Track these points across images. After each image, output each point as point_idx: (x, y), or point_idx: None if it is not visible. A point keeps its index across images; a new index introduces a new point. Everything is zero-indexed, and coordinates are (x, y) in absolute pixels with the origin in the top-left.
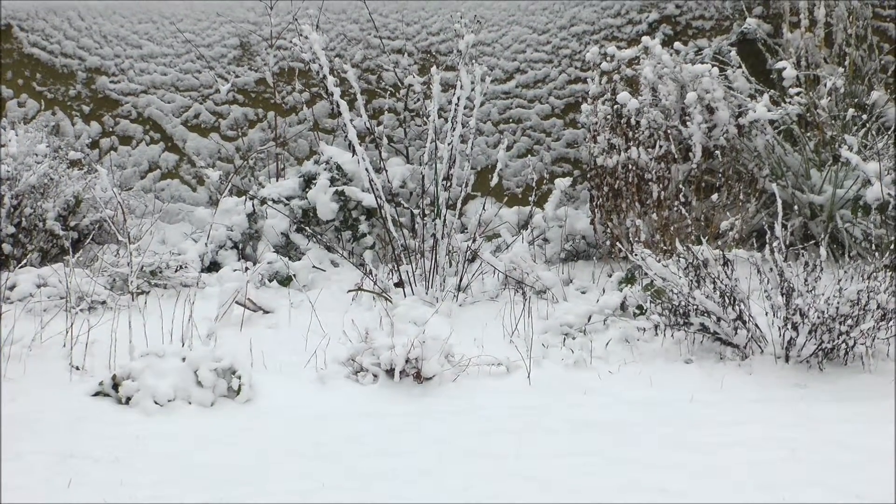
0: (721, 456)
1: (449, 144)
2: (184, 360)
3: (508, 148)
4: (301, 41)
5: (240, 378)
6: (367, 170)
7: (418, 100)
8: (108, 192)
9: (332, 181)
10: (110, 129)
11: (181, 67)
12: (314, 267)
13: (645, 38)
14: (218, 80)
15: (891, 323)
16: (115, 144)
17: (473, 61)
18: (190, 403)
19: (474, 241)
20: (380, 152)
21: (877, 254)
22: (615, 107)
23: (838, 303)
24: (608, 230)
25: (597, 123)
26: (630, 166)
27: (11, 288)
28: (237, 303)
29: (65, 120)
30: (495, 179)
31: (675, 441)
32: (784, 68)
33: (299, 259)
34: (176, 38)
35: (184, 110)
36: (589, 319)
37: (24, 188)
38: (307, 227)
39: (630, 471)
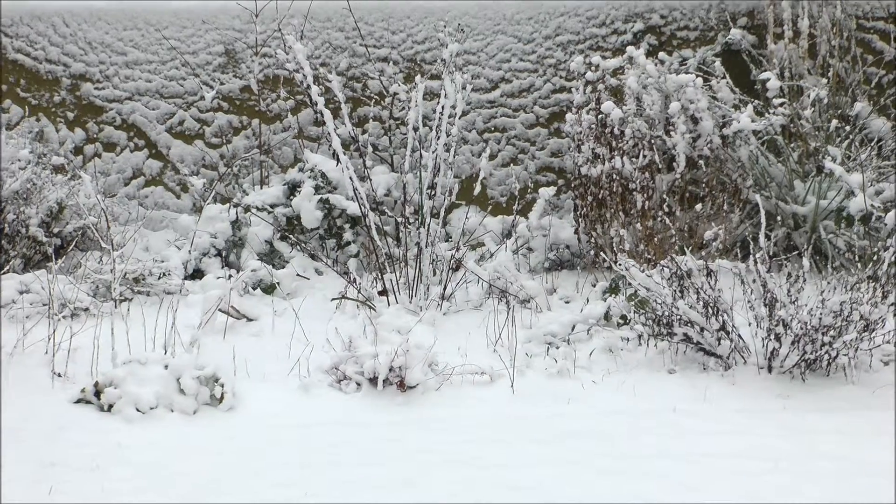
0: (705, 466)
1: (433, 153)
2: (166, 367)
3: (492, 157)
4: (285, 50)
5: (223, 386)
6: (350, 178)
7: (403, 108)
8: (91, 199)
9: (317, 189)
10: (94, 136)
11: (166, 74)
12: (298, 275)
13: (630, 48)
14: (203, 88)
15: (873, 334)
16: (100, 151)
17: (458, 70)
18: (172, 411)
19: (458, 249)
20: (363, 161)
21: (860, 265)
22: (599, 116)
23: (821, 314)
24: (592, 240)
25: (581, 133)
26: (614, 176)
27: None
28: (220, 310)
29: (49, 126)
30: (478, 188)
31: (658, 451)
32: (768, 79)
33: (283, 267)
34: (161, 45)
35: (168, 117)
36: (573, 329)
37: (7, 194)
38: (291, 235)
39: (614, 480)
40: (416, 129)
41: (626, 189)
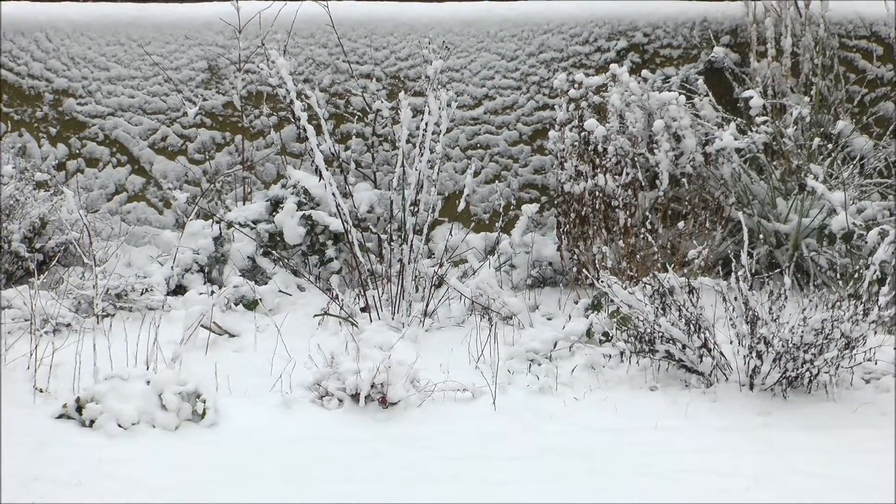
0: (687, 483)
1: (417, 170)
2: (148, 383)
3: (476, 174)
4: (268, 65)
5: (204, 402)
6: (333, 194)
7: (386, 125)
8: (74, 215)
9: (300, 205)
10: (77, 152)
11: (149, 90)
12: (280, 291)
13: (613, 66)
14: (186, 104)
15: (854, 352)
16: (82, 167)
17: (442, 87)
18: (154, 427)
19: (441, 266)
20: (345, 177)
21: (841, 283)
22: (582, 133)
23: (802, 331)
24: (575, 257)
25: (564, 150)
26: (597, 193)
27: None
28: (203, 326)
29: (31, 142)
30: (462, 205)
31: (640, 468)
32: (751, 97)
33: (266, 283)
34: (144, 60)
35: (151, 133)
36: (555, 346)
37: None
38: (274, 251)
39: (597, 498)
40: (395, 145)
41: (609, 206)
